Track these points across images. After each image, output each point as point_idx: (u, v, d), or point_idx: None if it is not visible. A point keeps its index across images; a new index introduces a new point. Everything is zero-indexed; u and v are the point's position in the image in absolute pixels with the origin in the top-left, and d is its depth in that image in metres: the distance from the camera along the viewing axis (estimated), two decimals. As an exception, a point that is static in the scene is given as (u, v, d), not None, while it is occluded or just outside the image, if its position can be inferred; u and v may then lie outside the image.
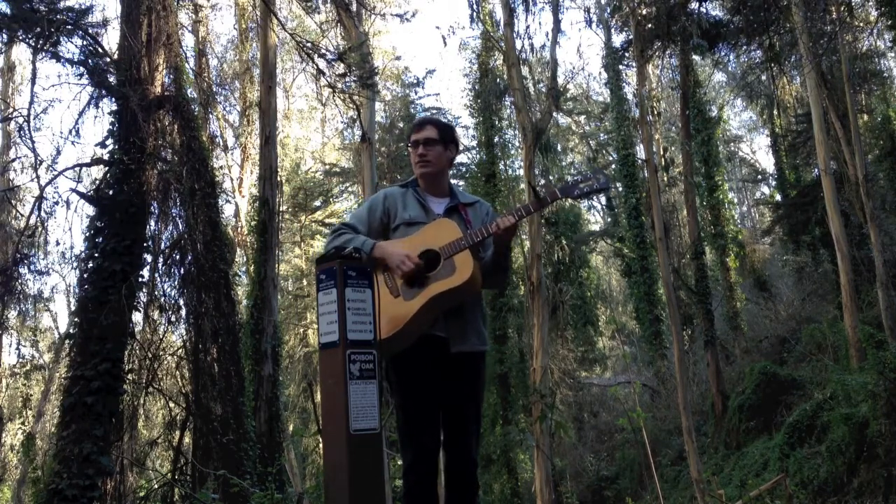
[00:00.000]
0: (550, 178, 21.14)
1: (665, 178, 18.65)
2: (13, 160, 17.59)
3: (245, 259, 16.83)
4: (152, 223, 8.80)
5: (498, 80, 17.61)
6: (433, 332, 2.74)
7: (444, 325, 2.75)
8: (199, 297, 9.01)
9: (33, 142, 8.71)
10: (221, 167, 17.27)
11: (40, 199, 8.79)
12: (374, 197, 3.00)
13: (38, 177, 8.70)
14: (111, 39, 12.69)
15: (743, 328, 17.59)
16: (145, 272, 8.61)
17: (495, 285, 2.98)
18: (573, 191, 2.79)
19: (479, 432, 2.86)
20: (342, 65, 9.93)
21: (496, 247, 2.79)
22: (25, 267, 10.59)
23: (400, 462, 2.79)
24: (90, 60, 8.49)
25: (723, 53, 15.09)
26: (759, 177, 28.47)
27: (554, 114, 15.28)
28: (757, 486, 9.04)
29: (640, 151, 18.71)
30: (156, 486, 8.67)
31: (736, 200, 26.35)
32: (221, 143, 17.97)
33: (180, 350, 9.45)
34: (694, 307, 16.05)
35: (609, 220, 25.68)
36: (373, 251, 2.72)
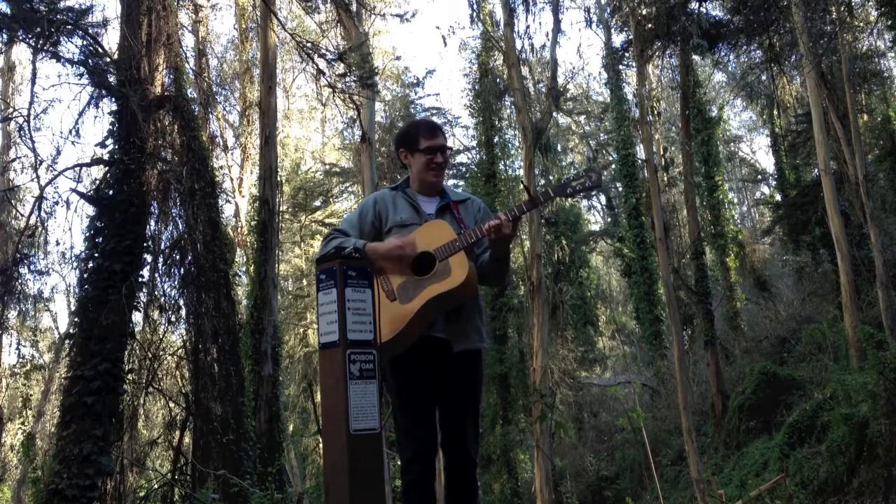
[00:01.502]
0: (550, 178, 21.14)
1: (665, 178, 18.64)
2: (13, 160, 17.58)
3: (245, 259, 16.83)
4: (152, 223, 8.82)
5: (498, 80, 17.61)
6: (432, 333, 2.74)
7: (443, 326, 2.75)
8: (199, 297, 9.02)
9: (33, 142, 8.72)
10: (221, 167, 17.28)
11: (40, 199, 8.80)
12: (365, 202, 2.99)
13: (38, 177, 8.71)
14: (111, 39, 12.68)
15: (743, 328, 17.58)
16: (145, 272, 8.63)
17: (496, 283, 2.96)
18: (566, 189, 2.79)
19: (478, 432, 2.86)
20: (342, 65, 9.93)
21: (492, 246, 2.76)
22: (25, 267, 10.58)
23: (400, 462, 2.79)
24: (90, 60, 8.50)
25: (723, 53, 15.07)
26: (759, 177, 28.47)
27: (554, 114, 15.28)
28: (757, 486, 9.05)
29: (640, 151, 18.71)
30: (156, 486, 8.68)
31: (736, 200, 26.35)
32: (221, 143, 17.96)
33: (180, 350, 9.46)
34: (694, 307, 16.04)
35: (609, 220, 25.68)
36: (364, 250, 2.70)
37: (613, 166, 22.75)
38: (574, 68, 35.45)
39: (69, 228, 14.62)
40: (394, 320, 2.63)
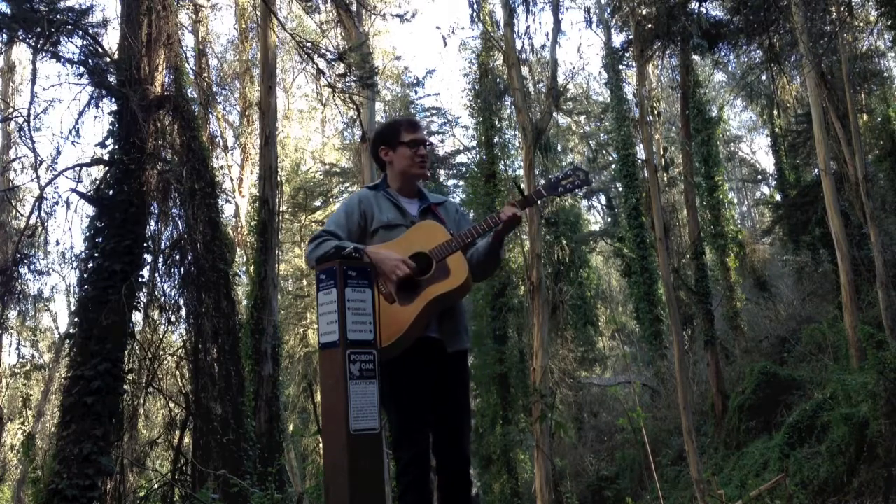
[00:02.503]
0: (550, 177, 21.09)
1: (665, 178, 18.64)
2: (13, 160, 17.56)
3: (245, 259, 16.82)
4: (152, 223, 8.81)
5: (498, 80, 17.60)
6: (427, 333, 2.74)
7: (436, 326, 2.76)
8: (199, 297, 9.02)
9: (33, 142, 8.72)
10: (221, 167, 17.28)
11: (40, 199, 8.80)
12: (349, 201, 2.95)
13: (38, 177, 8.70)
14: (111, 39, 12.67)
15: (743, 328, 17.58)
16: (145, 272, 8.63)
17: (487, 275, 3.02)
18: (557, 188, 2.91)
19: (470, 430, 2.90)
20: (342, 65, 9.93)
21: (502, 233, 2.82)
22: (25, 267, 10.58)
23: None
24: (90, 60, 8.50)
25: (723, 53, 15.06)
26: (759, 177, 28.48)
27: (554, 114, 15.27)
28: (757, 486, 9.05)
29: (640, 151, 18.70)
30: (156, 486, 8.68)
31: (736, 200, 26.34)
32: (221, 143, 17.96)
33: (180, 350, 9.45)
34: (694, 307, 16.04)
35: (609, 220, 25.68)
36: (362, 257, 2.70)
37: (613, 166, 22.75)
38: (574, 68, 35.46)
39: (69, 228, 14.61)
40: (396, 322, 2.63)
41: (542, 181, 20.82)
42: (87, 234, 8.18)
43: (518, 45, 12.28)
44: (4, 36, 8.76)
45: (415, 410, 2.72)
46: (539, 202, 3.15)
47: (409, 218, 2.87)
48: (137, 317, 8.75)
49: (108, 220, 8.05)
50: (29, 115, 8.69)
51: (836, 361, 11.76)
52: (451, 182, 23.17)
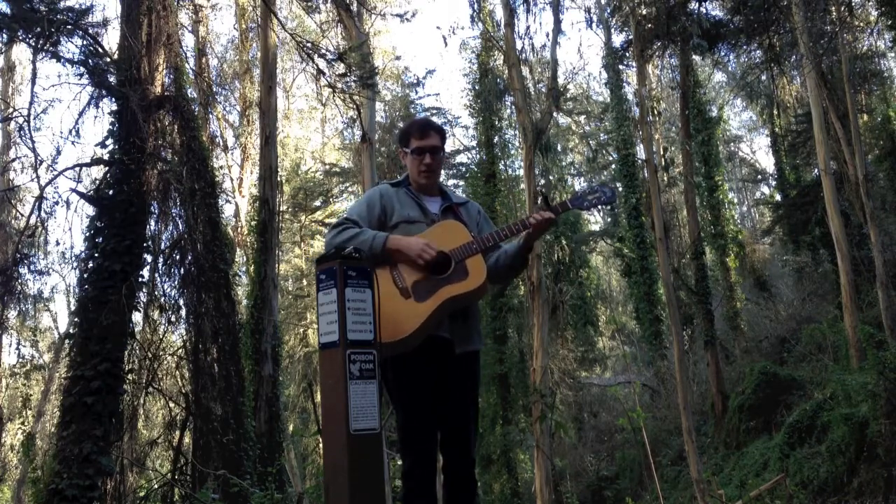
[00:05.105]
0: (550, 178, 21.13)
1: (665, 178, 18.63)
2: (13, 160, 17.53)
3: (245, 259, 16.83)
4: (152, 223, 8.81)
5: (498, 80, 17.59)
6: (438, 332, 2.73)
7: (447, 325, 2.75)
8: (199, 297, 9.02)
9: (33, 142, 8.71)
10: (221, 167, 17.28)
11: (40, 199, 8.79)
12: (371, 193, 2.96)
13: (38, 177, 8.70)
14: (111, 39, 12.69)
15: (743, 328, 17.58)
16: (145, 272, 8.63)
17: (510, 279, 3.03)
18: (582, 202, 2.91)
19: (477, 431, 2.89)
20: (342, 65, 9.91)
21: (529, 239, 2.83)
22: (25, 267, 10.58)
23: (400, 462, 2.80)
24: (90, 60, 8.50)
25: (723, 53, 15.07)
26: (759, 177, 28.48)
27: (554, 114, 15.26)
28: (757, 486, 9.05)
29: (640, 151, 18.71)
30: (156, 486, 8.67)
31: (736, 200, 26.34)
32: (221, 143, 17.96)
33: (180, 350, 9.46)
34: (694, 307, 16.04)
35: (609, 220, 25.66)
36: (387, 243, 2.69)
37: (613, 166, 22.74)
38: (574, 68, 35.33)
39: (69, 228, 14.53)
40: (409, 318, 2.61)
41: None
42: (87, 234, 8.18)
43: (518, 45, 12.27)
44: (4, 36, 8.75)
45: (417, 409, 2.71)
46: (562, 214, 3.13)
47: (430, 217, 2.87)
48: (137, 317, 8.76)
49: (108, 220, 8.05)
50: (29, 115, 8.68)
51: (836, 361, 11.76)
52: (451, 182, 23.17)
